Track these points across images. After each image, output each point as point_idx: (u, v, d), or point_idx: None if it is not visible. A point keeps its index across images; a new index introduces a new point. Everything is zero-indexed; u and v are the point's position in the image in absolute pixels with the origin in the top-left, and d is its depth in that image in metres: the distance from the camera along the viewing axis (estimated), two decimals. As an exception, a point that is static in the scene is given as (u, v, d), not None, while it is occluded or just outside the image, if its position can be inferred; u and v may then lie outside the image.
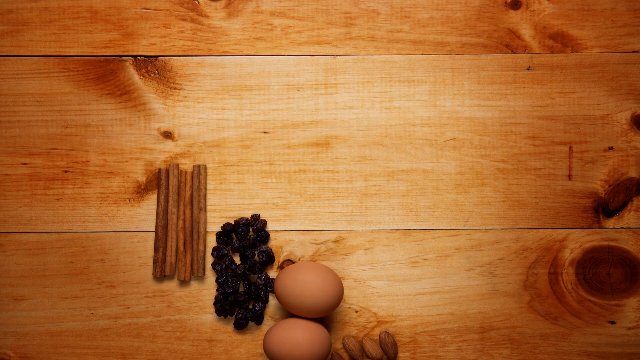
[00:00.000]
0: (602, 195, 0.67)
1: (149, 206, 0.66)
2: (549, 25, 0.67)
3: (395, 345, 0.66)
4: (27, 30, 0.66)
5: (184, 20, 0.67)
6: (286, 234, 0.67)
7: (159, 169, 0.66)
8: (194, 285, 0.66)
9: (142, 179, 0.66)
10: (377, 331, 0.66)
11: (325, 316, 0.66)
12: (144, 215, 0.66)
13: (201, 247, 0.65)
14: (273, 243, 0.67)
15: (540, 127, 0.67)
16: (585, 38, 0.67)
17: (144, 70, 0.66)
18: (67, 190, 0.66)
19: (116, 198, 0.66)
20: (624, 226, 0.67)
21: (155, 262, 0.65)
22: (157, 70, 0.66)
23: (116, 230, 0.66)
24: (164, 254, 0.65)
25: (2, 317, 0.66)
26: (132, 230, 0.66)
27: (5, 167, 0.66)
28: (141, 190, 0.66)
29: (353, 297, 0.67)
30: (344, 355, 0.66)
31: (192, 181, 0.65)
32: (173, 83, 0.66)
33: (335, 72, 0.67)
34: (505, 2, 0.67)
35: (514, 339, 0.67)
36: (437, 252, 0.67)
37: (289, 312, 0.66)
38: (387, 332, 0.66)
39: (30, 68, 0.66)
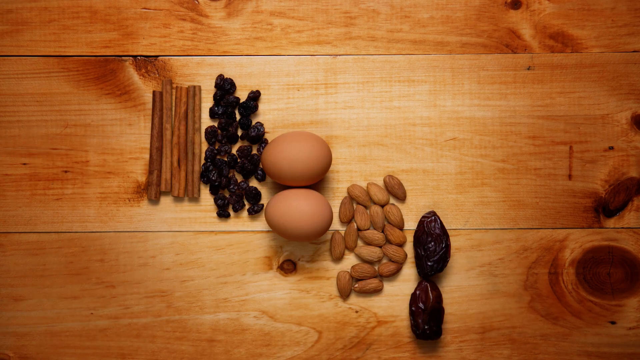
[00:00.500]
0: (603, 195, 0.67)
1: (148, 206, 0.66)
2: (549, 25, 0.67)
3: (402, 185, 0.65)
4: (27, 30, 0.66)
5: (184, 20, 0.67)
6: (286, 234, 0.67)
7: (154, 91, 0.65)
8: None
9: (142, 179, 0.66)
10: (377, 331, 0.66)
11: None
12: (144, 215, 0.66)
13: (196, 167, 0.65)
14: (273, 243, 0.66)
15: (541, 127, 0.67)
16: (586, 38, 0.67)
17: (143, 70, 0.66)
18: (67, 190, 0.66)
19: (116, 198, 0.66)
20: (625, 226, 0.67)
21: (149, 184, 0.65)
22: (157, 70, 0.66)
23: (116, 230, 0.66)
24: (159, 176, 0.64)
25: (2, 317, 0.66)
26: (132, 230, 0.66)
27: (5, 167, 0.66)
28: (141, 190, 0.66)
29: (353, 297, 0.66)
30: (348, 206, 0.65)
31: (187, 100, 0.65)
32: (173, 83, 0.66)
33: (335, 72, 0.67)
34: (506, 2, 0.67)
35: (514, 339, 0.66)
36: (437, 252, 0.66)
37: (282, 185, 0.66)
38: (390, 175, 0.65)
39: (30, 68, 0.66)
